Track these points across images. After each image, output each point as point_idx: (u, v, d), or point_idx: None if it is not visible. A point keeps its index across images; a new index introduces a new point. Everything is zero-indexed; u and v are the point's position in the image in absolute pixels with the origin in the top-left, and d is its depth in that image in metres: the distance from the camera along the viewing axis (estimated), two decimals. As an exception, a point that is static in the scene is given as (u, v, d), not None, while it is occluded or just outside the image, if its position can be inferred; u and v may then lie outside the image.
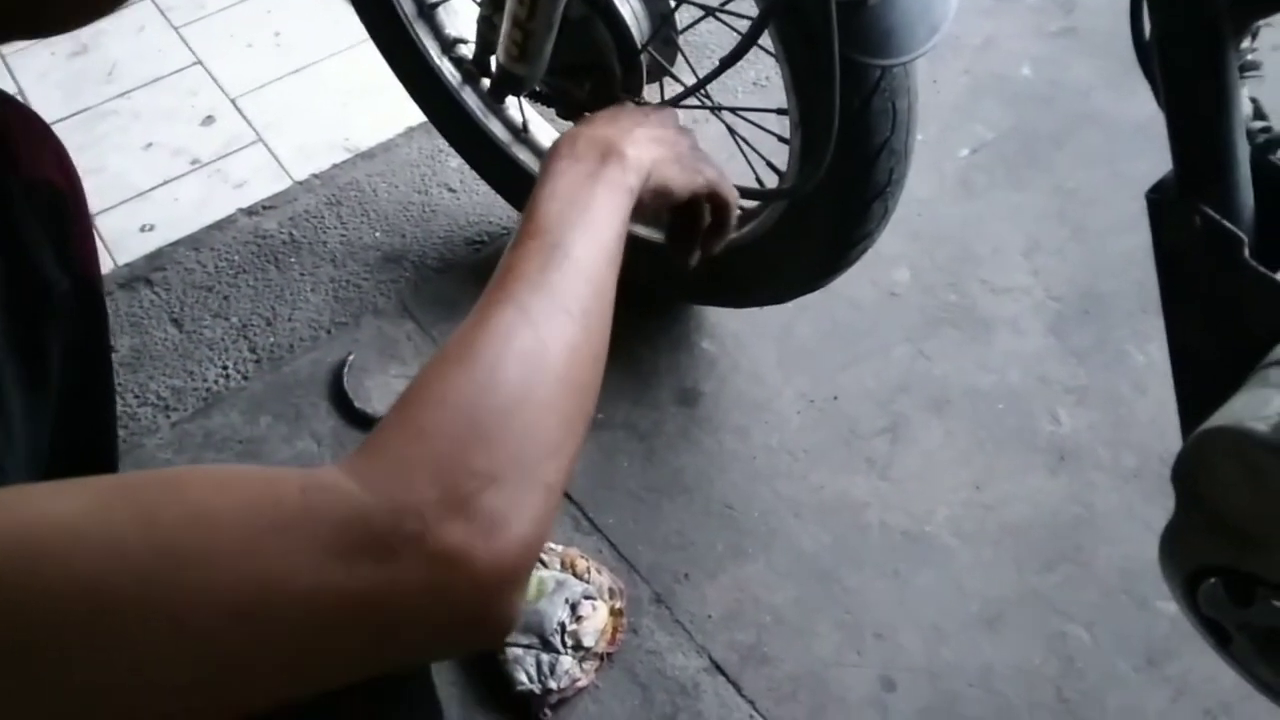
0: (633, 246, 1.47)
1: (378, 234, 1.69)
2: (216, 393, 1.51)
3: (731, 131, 1.31)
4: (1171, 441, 1.36)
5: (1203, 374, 0.85)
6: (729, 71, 1.34)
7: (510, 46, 1.16)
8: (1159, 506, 1.30)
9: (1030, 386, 1.43)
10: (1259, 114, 0.85)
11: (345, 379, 1.49)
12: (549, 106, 1.33)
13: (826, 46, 0.93)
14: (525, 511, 0.51)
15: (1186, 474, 0.68)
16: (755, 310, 1.51)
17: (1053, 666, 1.20)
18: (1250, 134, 0.82)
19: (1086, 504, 1.32)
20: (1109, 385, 1.42)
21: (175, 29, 2.05)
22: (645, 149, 0.81)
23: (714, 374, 1.49)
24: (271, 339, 1.56)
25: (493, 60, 1.25)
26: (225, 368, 1.54)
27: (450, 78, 1.53)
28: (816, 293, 1.40)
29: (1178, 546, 0.71)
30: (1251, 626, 0.67)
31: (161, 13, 2.08)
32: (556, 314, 0.61)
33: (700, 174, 0.90)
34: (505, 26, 1.15)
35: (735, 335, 1.53)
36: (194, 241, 1.69)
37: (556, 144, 0.80)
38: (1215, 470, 0.66)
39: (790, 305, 1.47)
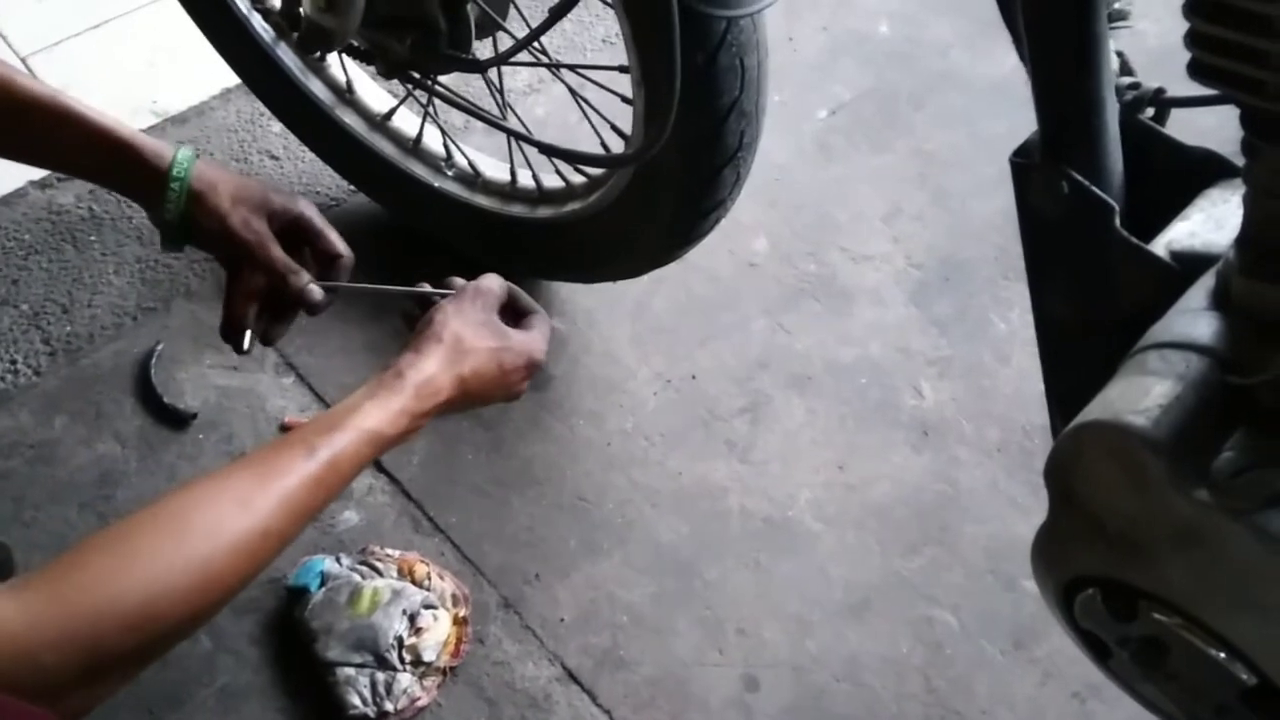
0: (479, 221, 1.37)
1: (191, 208, 1.52)
2: (3, 390, 1.33)
3: (573, 92, 1.20)
4: (1035, 414, 1.32)
5: (1071, 351, 0.79)
6: (577, 29, 1.23)
7: (316, -5, 1.03)
8: (1022, 482, 1.26)
9: (892, 359, 1.38)
10: (1126, 69, 0.79)
11: (153, 371, 1.34)
12: (368, 64, 1.20)
13: (663, -4, 0.84)
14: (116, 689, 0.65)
15: (1060, 473, 0.62)
16: (608, 285, 1.41)
17: (920, 654, 1.15)
18: (1119, 91, 0.76)
19: (951, 481, 1.27)
20: (972, 355, 1.37)
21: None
22: (454, 409, 0.84)
23: (565, 355, 1.39)
24: (68, 328, 1.39)
25: (302, 12, 1.11)
26: (14, 362, 1.36)
27: (263, 33, 1.37)
28: (672, 265, 1.31)
29: (1052, 553, 0.64)
30: (1133, 641, 0.61)
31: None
32: (279, 544, 0.70)
33: (516, 391, 0.90)
34: (309, -28, 1.02)
35: (587, 312, 1.43)
36: (-24, 219, 1.49)
37: (415, 362, 0.81)
38: (1092, 469, 0.59)
39: (645, 279, 1.38)
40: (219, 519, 0.67)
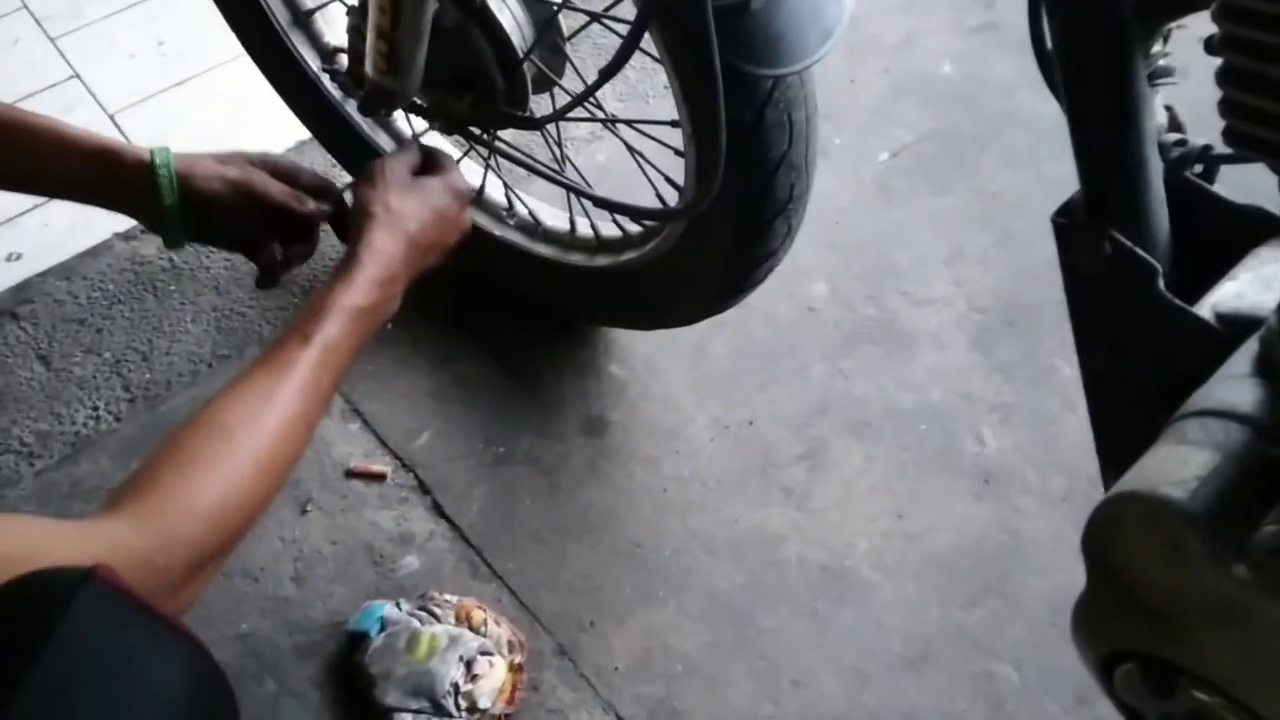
0: (539, 269, 1.39)
1: (265, 257, 1.57)
2: (86, 436, 1.39)
3: (628, 146, 1.22)
4: (1099, 465, 1.29)
5: (1119, 409, 0.78)
6: (640, 75, 1.25)
7: (377, 59, 1.07)
8: (1088, 533, 1.23)
9: (954, 405, 1.36)
10: (1174, 125, 0.78)
11: (226, 417, 1.38)
12: (429, 121, 1.24)
13: (706, 55, 0.85)
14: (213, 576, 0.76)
15: (1096, 543, 0.61)
16: (666, 331, 1.42)
17: (980, 710, 1.13)
18: (1164, 148, 0.75)
19: (1013, 531, 1.25)
20: (1036, 402, 1.35)
21: (51, 40, 1.92)
22: (421, 265, 0.97)
23: (623, 401, 1.40)
24: (148, 375, 1.45)
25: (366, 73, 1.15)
26: (96, 408, 1.42)
27: (332, 91, 1.42)
28: (731, 310, 1.31)
29: (1090, 624, 0.63)
30: (1174, 718, 0.60)
31: (38, 22, 1.95)
32: (307, 425, 0.82)
33: (462, 225, 1.03)
34: (370, 37, 1.05)
35: (645, 358, 1.44)
36: (65, 270, 1.56)
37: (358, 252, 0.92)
38: (1128, 541, 0.58)
39: (703, 324, 1.38)
40: (253, 417, 0.78)
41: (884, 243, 1.53)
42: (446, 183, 0.99)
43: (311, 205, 1.02)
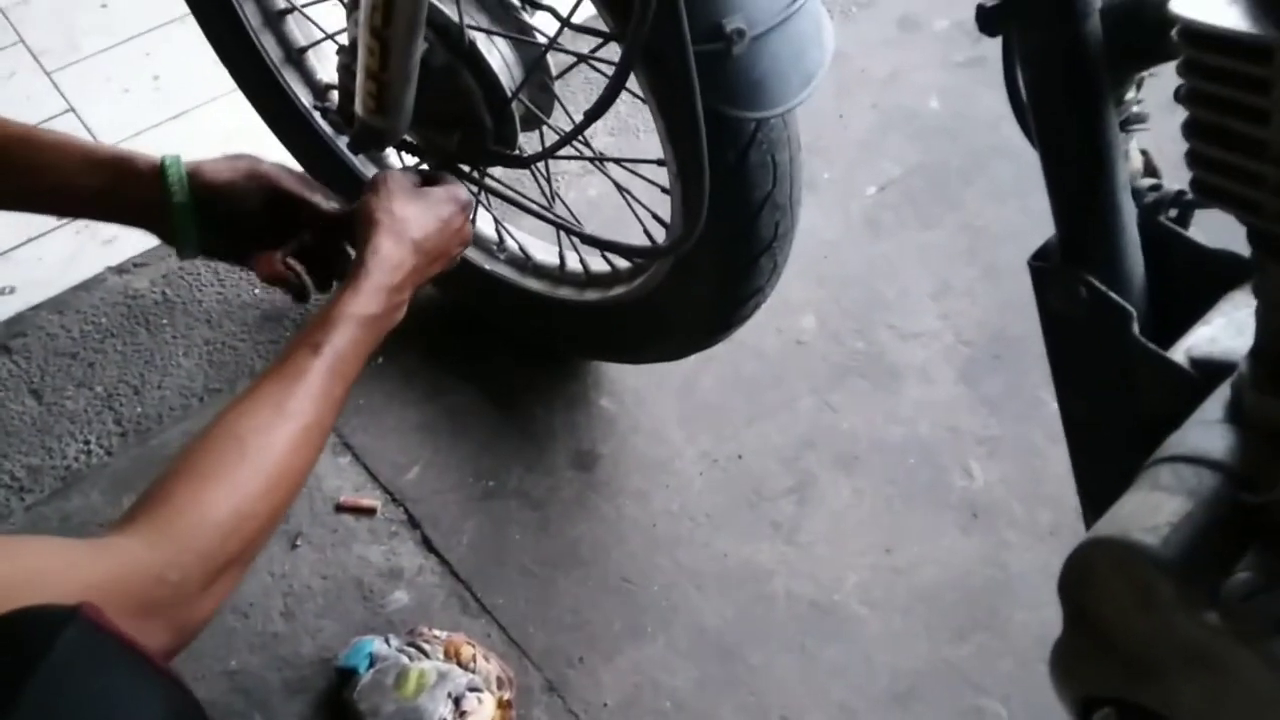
0: (529, 303, 1.40)
1: (258, 291, 1.58)
2: (76, 471, 1.39)
3: (616, 185, 1.23)
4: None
5: (1098, 451, 0.79)
6: (631, 110, 1.27)
7: (367, 98, 1.08)
8: (1075, 566, 1.24)
9: (941, 438, 1.37)
10: (1150, 170, 0.79)
11: (216, 452, 1.39)
12: (419, 159, 1.25)
13: (689, 98, 0.86)
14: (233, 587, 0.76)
15: (1072, 588, 0.61)
16: (656, 365, 1.43)
17: (968, 746, 1.13)
18: (1139, 193, 0.76)
19: (1000, 565, 1.25)
20: (1022, 435, 1.36)
21: (48, 74, 1.93)
22: (426, 273, 0.97)
23: (613, 434, 1.41)
24: (139, 409, 1.46)
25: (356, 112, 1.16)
26: (87, 442, 1.42)
27: (324, 127, 1.43)
28: (720, 344, 1.32)
29: (1066, 668, 0.64)
30: (1149, 763, 0.60)
31: (34, 56, 1.96)
32: (320, 433, 0.82)
33: (464, 236, 1.03)
34: (359, 77, 1.07)
35: (635, 391, 1.45)
36: (58, 304, 1.57)
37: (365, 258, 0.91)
38: (1102, 587, 0.59)
39: (693, 358, 1.39)
40: (265, 428, 0.78)
41: (872, 276, 1.54)
42: (449, 193, 1.00)
43: (320, 195, 1.01)
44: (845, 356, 1.46)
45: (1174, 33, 0.54)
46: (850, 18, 1.90)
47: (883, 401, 1.41)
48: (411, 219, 0.94)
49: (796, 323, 1.49)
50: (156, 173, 0.95)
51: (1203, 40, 0.53)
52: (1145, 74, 0.72)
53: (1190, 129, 0.56)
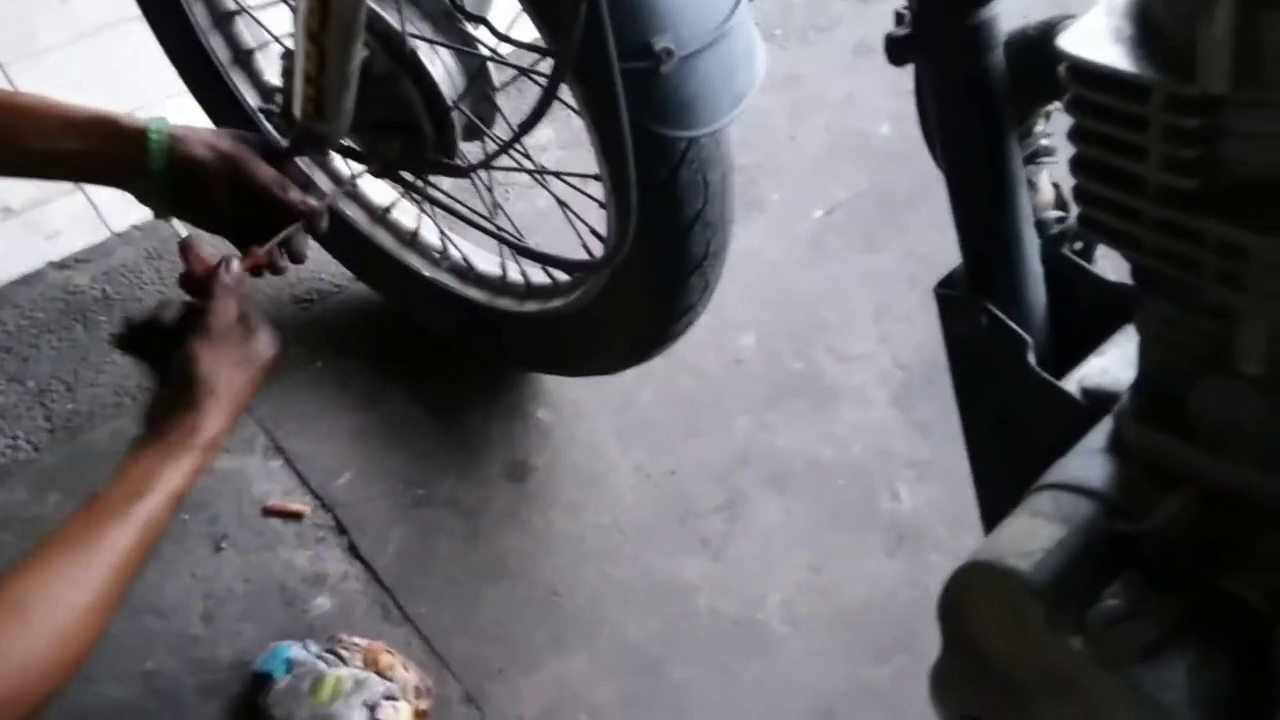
0: (470, 313, 1.40)
1: (199, 291, 1.57)
2: (3, 466, 1.38)
3: (555, 197, 1.24)
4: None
5: (997, 476, 0.80)
6: (583, 127, 1.29)
7: (306, 103, 1.08)
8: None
9: (872, 461, 1.38)
10: (1060, 202, 0.80)
11: (147, 451, 1.38)
12: (361, 164, 1.25)
13: (615, 116, 0.87)
14: None
15: (950, 610, 0.62)
16: (596, 378, 1.43)
17: (882, 768, 1.14)
18: (1045, 224, 0.77)
19: (924, 587, 1.26)
20: (951, 460, 1.34)
21: (2, 67, 1.92)
22: (231, 416, 0.88)
23: (548, 446, 1.41)
24: (70, 405, 1.44)
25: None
26: (15, 437, 1.41)
27: (270, 130, 1.43)
28: (660, 359, 1.33)
29: (943, 690, 0.64)
30: (1020, 787, 0.61)
31: (-13, 48, 1.95)
32: (114, 590, 0.76)
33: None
34: (297, 81, 1.07)
35: (573, 404, 1.45)
36: (-5, 297, 1.56)
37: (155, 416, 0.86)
38: (978, 610, 0.60)
39: (632, 372, 1.40)
40: (55, 601, 0.74)
41: (814, 298, 1.55)
42: (270, 344, 0.92)
43: (295, 196, 0.99)
44: (783, 377, 1.47)
45: (1061, 69, 0.55)
46: (807, 41, 1.92)
47: (818, 422, 1.42)
48: (242, 386, 0.88)
49: (736, 341, 1.50)
50: (138, 136, 0.93)
51: (1087, 77, 0.54)
52: (1053, 108, 0.74)
53: (1077, 165, 0.57)
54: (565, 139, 1.74)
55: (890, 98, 1.83)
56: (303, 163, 1.45)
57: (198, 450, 0.84)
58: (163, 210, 0.98)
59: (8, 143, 0.94)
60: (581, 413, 1.44)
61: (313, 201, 1.01)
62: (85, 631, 0.74)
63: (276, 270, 1.00)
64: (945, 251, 1.59)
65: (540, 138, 1.68)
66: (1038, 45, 0.68)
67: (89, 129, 0.93)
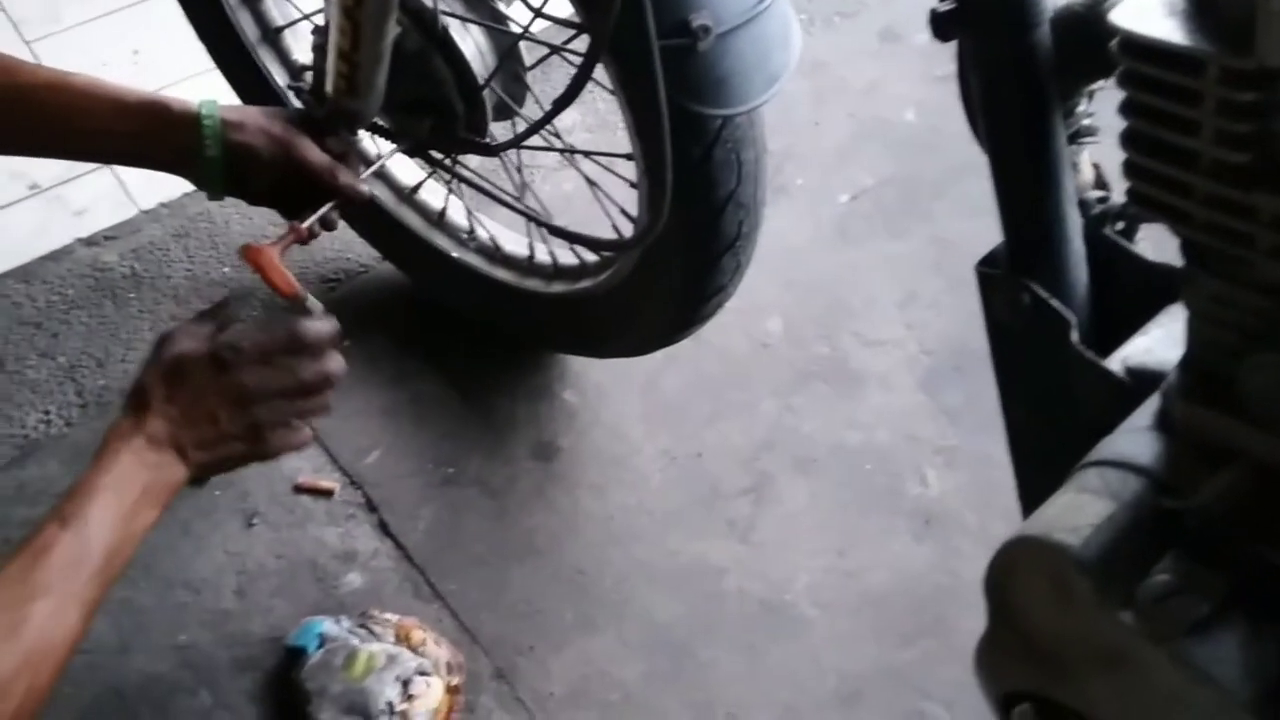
0: (496, 293, 1.40)
1: (226, 269, 1.58)
2: (35, 440, 1.39)
3: (586, 177, 1.24)
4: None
5: (1037, 456, 0.80)
6: (609, 109, 1.28)
7: (339, 79, 1.08)
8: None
9: (899, 445, 1.38)
10: (1100, 182, 0.80)
11: (177, 428, 1.39)
12: (392, 143, 1.25)
13: (652, 93, 0.87)
14: None
15: (996, 585, 0.62)
16: (621, 360, 1.44)
17: (909, 749, 1.14)
18: (1087, 204, 0.77)
19: (951, 572, 1.27)
20: (979, 446, 1.37)
21: (27, 43, 1.92)
22: (214, 453, 0.85)
23: (574, 427, 1.41)
24: (101, 381, 1.45)
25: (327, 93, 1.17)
26: (47, 412, 1.42)
27: (300, 107, 1.43)
28: (686, 342, 1.33)
29: (990, 664, 0.65)
30: (1063, 761, 0.61)
31: (14, 25, 1.95)
32: (71, 622, 0.73)
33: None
34: (331, 57, 1.07)
35: (599, 386, 1.45)
36: (25, 273, 1.57)
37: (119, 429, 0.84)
38: (1025, 585, 0.60)
39: (658, 355, 1.40)
40: (12, 605, 0.70)
41: (839, 283, 1.55)
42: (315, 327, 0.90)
43: (344, 180, 1.00)
44: (809, 361, 1.47)
45: (1113, 43, 0.55)
46: (832, 27, 1.91)
47: (843, 407, 1.42)
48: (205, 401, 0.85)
49: (762, 325, 1.50)
50: (191, 121, 0.93)
51: (1140, 51, 0.54)
52: (1097, 86, 0.73)
53: (1127, 140, 0.57)
54: (592, 122, 1.74)
55: (915, 84, 1.83)
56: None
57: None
58: (215, 192, 0.99)
59: (59, 124, 0.94)
60: (607, 395, 1.44)
61: (361, 187, 1.02)
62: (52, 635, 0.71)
63: (310, 239, 1.01)
64: (971, 239, 1.58)
65: (567, 120, 1.68)
66: (1085, 21, 0.67)
67: (140, 113, 0.93)
